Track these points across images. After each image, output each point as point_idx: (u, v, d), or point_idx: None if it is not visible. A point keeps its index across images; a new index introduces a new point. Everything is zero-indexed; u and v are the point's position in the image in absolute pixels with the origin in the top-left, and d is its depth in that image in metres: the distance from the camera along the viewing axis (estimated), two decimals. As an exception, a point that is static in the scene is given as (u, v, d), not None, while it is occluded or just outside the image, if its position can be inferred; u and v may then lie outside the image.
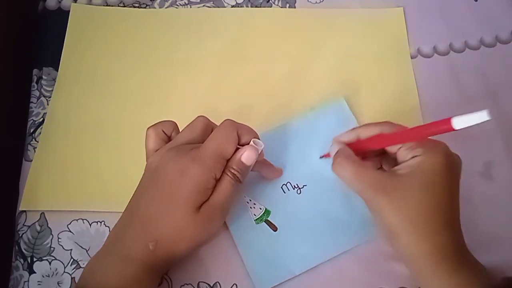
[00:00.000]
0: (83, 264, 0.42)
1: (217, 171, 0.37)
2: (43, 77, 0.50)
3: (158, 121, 0.40)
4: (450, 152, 0.37)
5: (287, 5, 0.55)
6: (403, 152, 0.37)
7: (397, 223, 0.36)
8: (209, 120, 0.41)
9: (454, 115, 0.31)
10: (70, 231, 0.43)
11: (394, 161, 0.39)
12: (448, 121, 0.31)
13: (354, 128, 0.41)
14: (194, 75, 0.50)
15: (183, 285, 0.41)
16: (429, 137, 0.35)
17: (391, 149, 0.38)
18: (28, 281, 0.41)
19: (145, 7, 0.54)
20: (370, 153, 0.40)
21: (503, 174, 0.46)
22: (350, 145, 0.40)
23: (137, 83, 0.50)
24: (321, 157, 0.44)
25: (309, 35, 0.53)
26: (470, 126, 0.30)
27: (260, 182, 0.44)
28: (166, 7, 0.54)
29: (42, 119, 0.48)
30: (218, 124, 0.40)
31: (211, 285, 0.41)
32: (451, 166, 0.36)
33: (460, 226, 0.37)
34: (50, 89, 0.49)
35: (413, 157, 0.36)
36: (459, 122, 0.31)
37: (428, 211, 0.35)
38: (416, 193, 0.35)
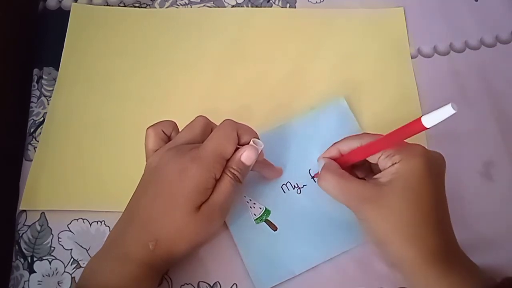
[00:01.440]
0: (83, 263, 0.42)
1: (217, 171, 0.37)
2: (44, 76, 0.50)
3: (158, 121, 0.40)
4: (428, 153, 0.36)
5: (288, 5, 0.55)
6: (383, 160, 0.37)
7: (383, 231, 0.36)
8: (209, 120, 0.41)
9: (423, 114, 0.31)
10: (70, 231, 0.43)
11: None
12: (418, 121, 0.32)
13: (334, 144, 0.41)
14: (194, 75, 0.50)
15: (183, 285, 0.41)
16: (407, 141, 0.35)
17: (373, 159, 0.38)
18: (28, 280, 0.41)
19: (145, 7, 0.54)
20: (359, 163, 0.40)
21: (503, 174, 0.46)
22: (336, 159, 0.40)
23: (137, 83, 0.50)
24: (313, 177, 0.44)
25: (309, 35, 0.53)
26: (442, 121, 0.31)
27: (260, 182, 0.44)
28: (166, 7, 0.54)
29: (42, 118, 0.48)
30: (218, 124, 0.40)
31: (211, 284, 0.41)
32: (431, 167, 0.36)
33: (450, 227, 0.36)
34: (51, 88, 0.49)
35: (392, 164, 0.36)
36: (429, 120, 0.31)
37: (412, 216, 0.35)
38: (398, 199, 0.35)
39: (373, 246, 0.41)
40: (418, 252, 0.35)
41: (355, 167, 0.41)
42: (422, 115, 0.31)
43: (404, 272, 0.36)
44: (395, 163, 0.36)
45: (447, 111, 0.30)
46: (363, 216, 0.37)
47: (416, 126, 0.32)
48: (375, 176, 0.37)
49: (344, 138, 0.40)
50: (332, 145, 0.41)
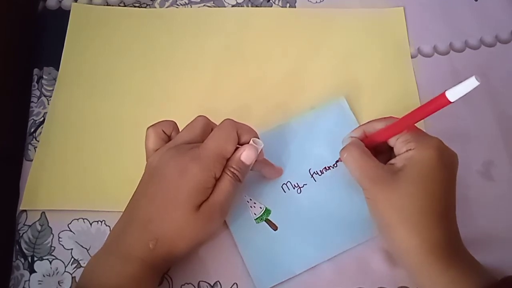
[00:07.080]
0: (84, 263, 0.42)
1: (217, 171, 0.37)
2: (44, 76, 0.50)
3: (158, 120, 0.41)
4: (443, 147, 0.37)
5: (288, 4, 0.55)
6: (399, 144, 0.37)
7: (389, 215, 0.36)
8: (209, 119, 0.41)
9: (446, 89, 0.31)
10: (71, 231, 0.43)
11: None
12: (442, 96, 0.32)
13: (360, 126, 0.41)
14: (194, 75, 0.50)
15: (184, 285, 0.41)
16: (427, 132, 0.36)
17: (392, 143, 0.38)
18: (28, 280, 0.41)
19: (145, 7, 0.54)
20: (381, 148, 0.40)
21: (503, 174, 0.46)
22: (361, 140, 0.41)
23: (137, 83, 0.50)
24: (337, 162, 0.44)
25: (309, 35, 0.53)
26: (465, 95, 0.31)
27: (260, 181, 0.44)
28: (166, 7, 0.54)
29: (42, 118, 0.48)
30: (218, 124, 0.40)
31: (212, 284, 0.41)
32: (445, 161, 0.36)
33: (455, 222, 0.37)
34: (51, 88, 0.49)
35: (407, 150, 0.37)
36: (453, 94, 0.31)
37: (419, 205, 0.35)
38: (408, 186, 0.35)
39: (375, 234, 0.41)
40: (422, 242, 0.35)
41: (376, 154, 0.41)
42: (446, 90, 0.31)
43: (404, 260, 0.36)
44: (410, 149, 0.36)
45: (471, 83, 0.30)
46: (372, 195, 0.37)
47: (440, 101, 0.32)
48: (390, 161, 0.38)
49: (370, 121, 0.41)
50: (357, 127, 0.41)
